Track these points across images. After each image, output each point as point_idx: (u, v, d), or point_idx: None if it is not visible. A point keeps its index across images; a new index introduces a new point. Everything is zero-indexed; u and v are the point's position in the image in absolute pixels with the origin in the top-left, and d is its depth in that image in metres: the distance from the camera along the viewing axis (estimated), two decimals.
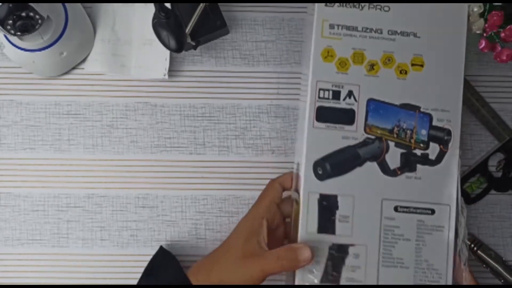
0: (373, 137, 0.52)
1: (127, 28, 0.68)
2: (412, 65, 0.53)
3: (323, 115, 0.52)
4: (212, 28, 0.67)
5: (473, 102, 0.68)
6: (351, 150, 0.52)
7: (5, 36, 0.62)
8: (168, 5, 0.63)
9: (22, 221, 0.66)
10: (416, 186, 0.53)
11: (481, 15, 0.60)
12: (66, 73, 0.68)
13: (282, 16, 0.69)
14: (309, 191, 0.52)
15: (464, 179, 0.67)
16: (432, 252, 0.52)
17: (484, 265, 0.65)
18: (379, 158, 0.52)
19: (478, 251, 0.65)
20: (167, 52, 0.67)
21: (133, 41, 0.68)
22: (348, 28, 0.53)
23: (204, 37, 0.67)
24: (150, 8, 0.63)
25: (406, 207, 0.53)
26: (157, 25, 0.61)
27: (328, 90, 0.52)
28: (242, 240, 0.53)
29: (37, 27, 0.59)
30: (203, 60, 0.69)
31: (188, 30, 0.65)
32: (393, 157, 0.53)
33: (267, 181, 0.58)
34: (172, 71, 0.68)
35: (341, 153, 0.52)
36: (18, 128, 0.67)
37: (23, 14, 0.57)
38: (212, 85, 0.68)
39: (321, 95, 0.52)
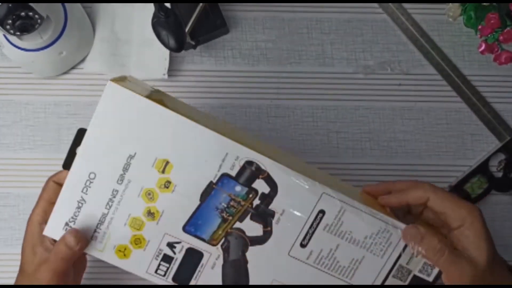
0: (223, 239, 0.50)
1: (127, 27, 0.68)
2: (163, 171, 0.48)
3: (181, 278, 0.50)
4: (212, 27, 0.67)
5: (474, 102, 0.68)
6: (229, 266, 0.50)
7: (5, 36, 0.62)
8: (167, 4, 0.63)
9: (22, 221, 0.66)
10: (291, 220, 0.50)
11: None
12: (66, 73, 0.68)
13: (282, 16, 0.69)
14: None
15: (465, 179, 0.66)
16: None
17: None
18: (246, 240, 0.50)
19: None
20: (167, 51, 0.66)
21: (132, 40, 0.68)
22: (101, 223, 0.49)
23: (204, 37, 0.67)
24: (150, 8, 0.62)
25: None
26: (157, 25, 0.61)
27: (159, 264, 0.50)
28: (29, 254, 0.51)
29: (36, 26, 0.59)
30: (203, 60, 0.68)
31: (188, 29, 0.65)
32: (252, 227, 0.49)
33: None
34: (172, 70, 0.68)
35: (234, 274, 0.50)
36: (18, 128, 0.67)
37: (23, 14, 0.57)
38: (212, 85, 0.68)
39: (162, 272, 0.50)
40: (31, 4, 0.57)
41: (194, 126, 0.47)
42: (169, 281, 0.50)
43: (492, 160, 0.67)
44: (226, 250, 0.50)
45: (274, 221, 0.49)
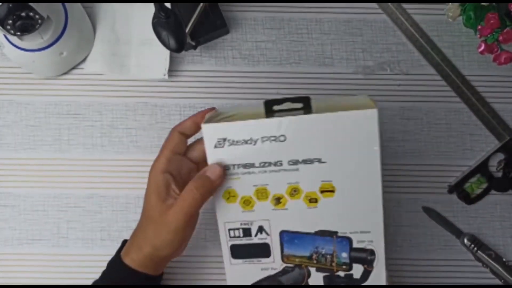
0: (292, 265, 0.52)
1: (127, 28, 0.68)
2: (322, 192, 0.50)
3: (238, 252, 0.52)
4: (212, 27, 0.67)
5: (474, 102, 0.68)
6: (272, 280, 0.52)
7: (5, 36, 0.62)
8: (168, 4, 0.63)
9: (22, 221, 0.66)
10: None
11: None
12: (66, 73, 0.68)
13: (282, 16, 0.69)
14: None
15: (464, 179, 0.67)
16: None
17: (484, 265, 0.65)
18: (304, 280, 0.52)
19: (478, 252, 0.65)
20: (167, 52, 0.66)
21: (132, 41, 0.68)
22: (245, 166, 0.50)
23: (204, 37, 0.67)
24: (150, 8, 0.62)
25: None
26: (157, 25, 0.61)
27: (237, 229, 0.52)
28: (154, 201, 0.52)
29: (37, 27, 0.59)
30: (203, 60, 0.68)
31: (188, 29, 0.65)
32: (316, 281, 0.52)
33: None
34: (172, 71, 0.68)
35: (262, 283, 0.52)
36: (18, 128, 0.67)
37: (23, 14, 0.57)
38: (212, 85, 0.68)
39: (232, 235, 0.52)
40: (31, 4, 0.57)
41: (379, 195, 0.49)
42: (228, 244, 0.52)
43: (491, 160, 0.67)
44: (284, 272, 0.52)
45: None
